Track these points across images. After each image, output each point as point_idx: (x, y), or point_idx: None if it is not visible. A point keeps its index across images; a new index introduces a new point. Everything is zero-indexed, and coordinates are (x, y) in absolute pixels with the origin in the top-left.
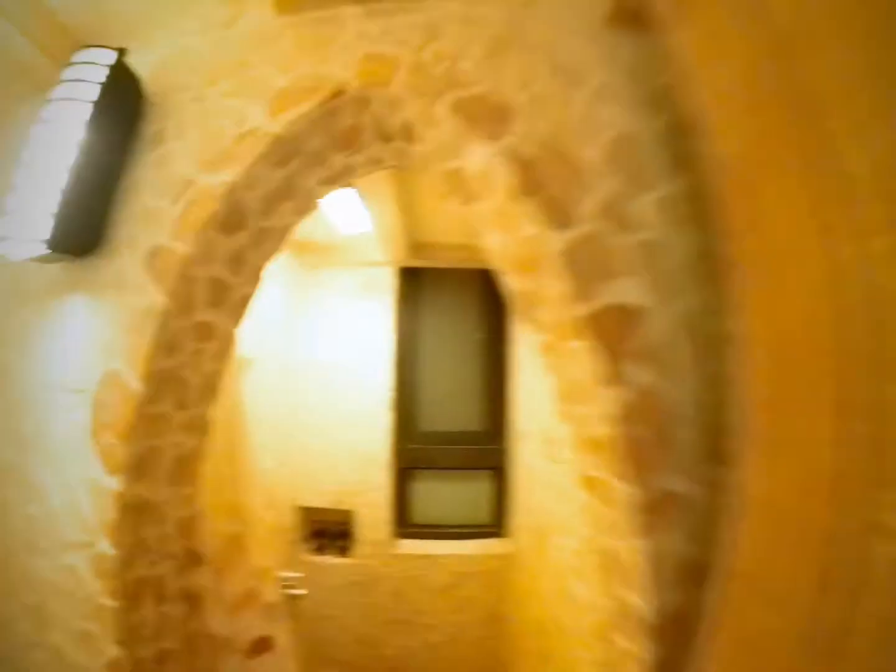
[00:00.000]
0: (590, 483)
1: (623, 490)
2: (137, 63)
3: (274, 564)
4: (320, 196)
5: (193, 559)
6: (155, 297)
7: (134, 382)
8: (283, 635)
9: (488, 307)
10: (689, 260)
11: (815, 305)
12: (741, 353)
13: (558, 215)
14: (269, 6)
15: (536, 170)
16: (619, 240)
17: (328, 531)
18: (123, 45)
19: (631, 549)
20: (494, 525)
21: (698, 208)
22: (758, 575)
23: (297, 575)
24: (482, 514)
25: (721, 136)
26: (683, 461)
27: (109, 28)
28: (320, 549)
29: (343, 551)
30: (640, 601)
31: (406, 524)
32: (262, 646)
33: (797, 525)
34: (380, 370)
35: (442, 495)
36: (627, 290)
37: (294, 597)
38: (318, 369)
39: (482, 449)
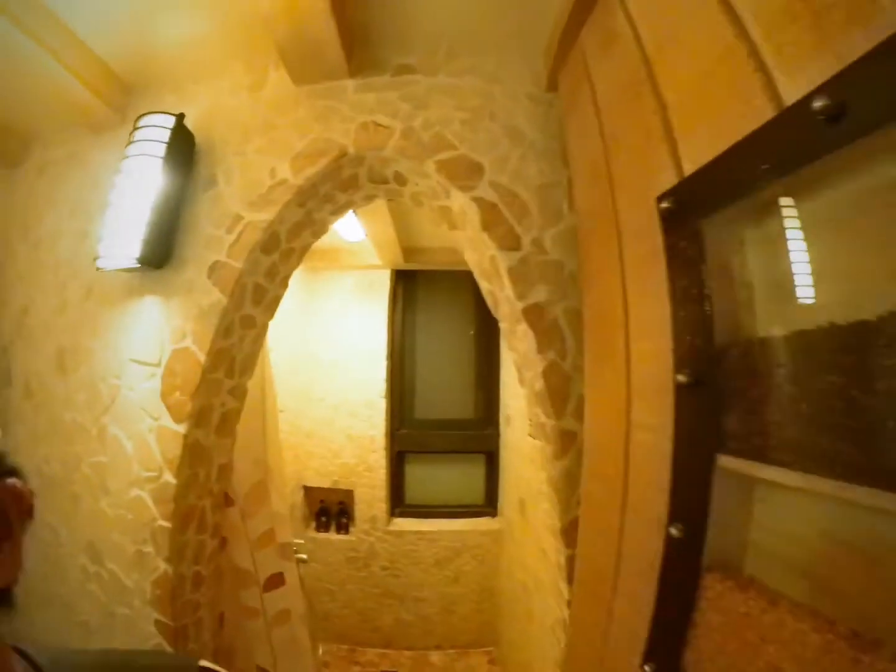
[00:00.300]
0: (537, 427)
1: (549, 424)
2: (180, 109)
3: (288, 512)
4: (330, 223)
5: (226, 500)
6: (217, 296)
7: (200, 356)
8: (292, 574)
9: (477, 305)
10: (573, 274)
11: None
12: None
13: (508, 242)
14: (286, 75)
15: (495, 211)
16: (539, 259)
17: (330, 510)
18: (164, 92)
19: (554, 469)
20: (485, 505)
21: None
22: (596, 471)
23: (300, 541)
24: (473, 495)
25: (578, 198)
26: (570, 405)
27: (152, 79)
28: (322, 527)
29: (343, 528)
30: (555, 515)
31: (401, 504)
32: (276, 581)
33: (608, 447)
34: (377, 363)
35: (435, 477)
36: (541, 293)
37: (298, 560)
38: (321, 362)
39: (473, 434)
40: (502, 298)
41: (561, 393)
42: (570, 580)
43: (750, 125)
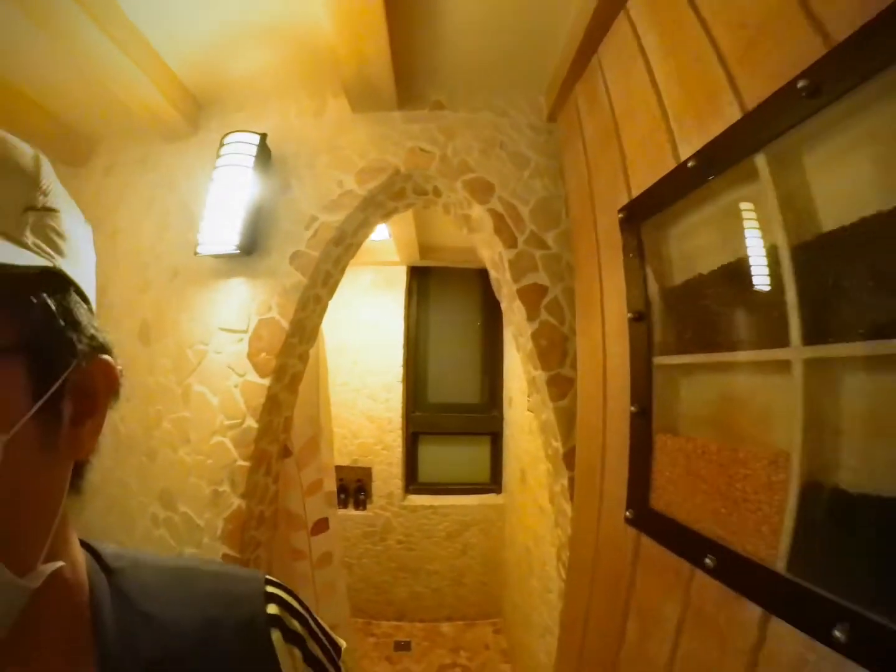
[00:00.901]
0: (530, 381)
1: (540, 376)
2: (249, 126)
3: (333, 465)
4: (379, 224)
5: (285, 451)
6: (298, 278)
7: (284, 324)
8: (335, 520)
9: (486, 299)
10: (569, 263)
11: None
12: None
13: (510, 242)
14: (346, 103)
15: (503, 219)
16: (538, 253)
17: (348, 487)
18: (232, 109)
19: (550, 410)
20: (490, 483)
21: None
22: (585, 386)
23: None
24: (481, 473)
25: (572, 208)
26: (568, 358)
27: (221, 96)
28: (341, 503)
29: (360, 505)
30: (558, 443)
31: (415, 481)
32: (321, 525)
33: (593, 369)
34: (394, 351)
35: (446, 456)
36: (538, 277)
37: None
38: (344, 350)
39: (481, 417)
40: (504, 282)
41: (560, 349)
42: (571, 499)
43: (665, 171)
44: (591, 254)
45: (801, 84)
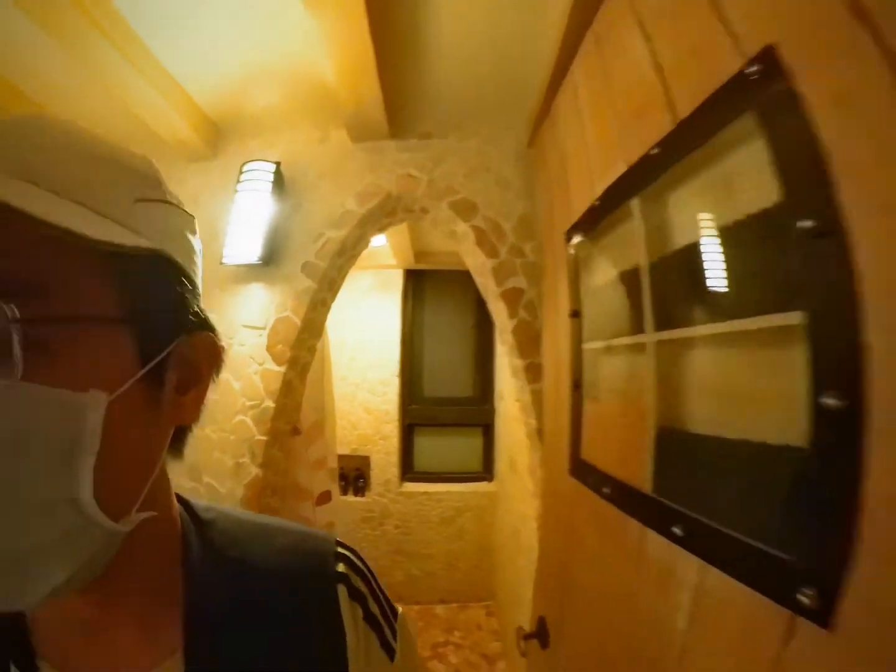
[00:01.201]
0: (513, 369)
1: (519, 364)
2: (263, 152)
3: (336, 445)
4: (375, 235)
5: (294, 430)
6: (308, 284)
7: (297, 321)
8: (336, 493)
9: (478, 300)
10: (542, 270)
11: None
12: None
13: (492, 253)
14: (346, 134)
15: (485, 234)
16: (517, 261)
17: (348, 475)
18: (248, 136)
19: (527, 392)
20: (482, 471)
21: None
22: (549, 367)
23: None
24: (473, 462)
25: (540, 226)
26: (540, 349)
27: (238, 125)
28: (342, 490)
29: (360, 492)
30: (534, 421)
31: (411, 471)
32: (325, 497)
33: (554, 353)
34: (392, 348)
35: (440, 447)
36: (517, 281)
37: None
38: (344, 347)
39: (473, 409)
40: (488, 286)
41: (534, 341)
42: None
43: (588, 205)
44: (551, 263)
45: (653, 151)
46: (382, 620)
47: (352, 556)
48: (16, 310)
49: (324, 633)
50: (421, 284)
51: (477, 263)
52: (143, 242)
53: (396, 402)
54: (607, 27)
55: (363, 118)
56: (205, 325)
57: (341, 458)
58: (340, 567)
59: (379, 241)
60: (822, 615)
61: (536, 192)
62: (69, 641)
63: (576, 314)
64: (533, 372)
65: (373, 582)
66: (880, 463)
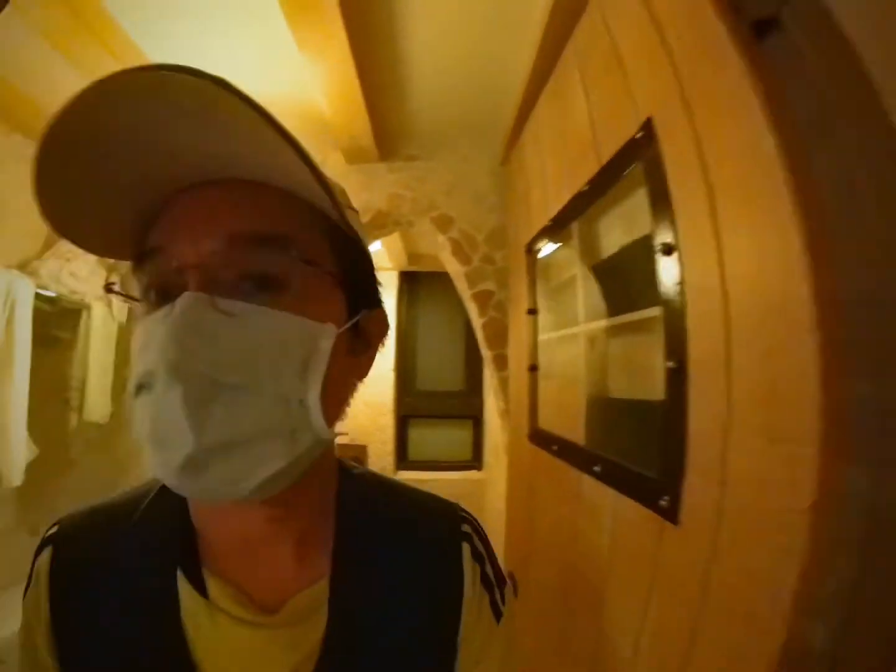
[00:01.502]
0: (485, 358)
1: (489, 354)
2: None
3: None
4: (369, 245)
5: None
6: None
7: None
8: None
9: None
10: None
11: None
12: (511, 304)
13: (465, 261)
14: (342, 157)
15: (460, 245)
16: (487, 268)
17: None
18: None
19: (497, 378)
20: (472, 461)
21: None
22: (513, 355)
23: None
24: (463, 452)
25: (509, 237)
26: (507, 342)
27: None
28: None
29: None
30: (502, 403)
31: (405, 460)
32: None
33: (517, 343)
34: (387, 345)
35: (432, 437)
36: (488, 285)
37: None
38: None
39: (463, 402)
40: (463, 289)
41: (502, 336)
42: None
43: (543, 224)
44: (515, 269)
45: (585, 188)
46: (495, 583)
47: (473, 521)
48: (296, 253)
49: (448, 583)
50: (414, 285)
51: (453, 270)
52: (352, 232)
53: (391, 395)
54: (563, 77)
55: (356, 145)
56: (380, 303)
57: (340, 447)
58: (465, 528)
59: (374, 246)
60: (673, 514)
61: (507, 208)
62: (230, 556)
63: (532, 311)
64: (501, 361)
65: (489, 547)
66: (695, 406)
